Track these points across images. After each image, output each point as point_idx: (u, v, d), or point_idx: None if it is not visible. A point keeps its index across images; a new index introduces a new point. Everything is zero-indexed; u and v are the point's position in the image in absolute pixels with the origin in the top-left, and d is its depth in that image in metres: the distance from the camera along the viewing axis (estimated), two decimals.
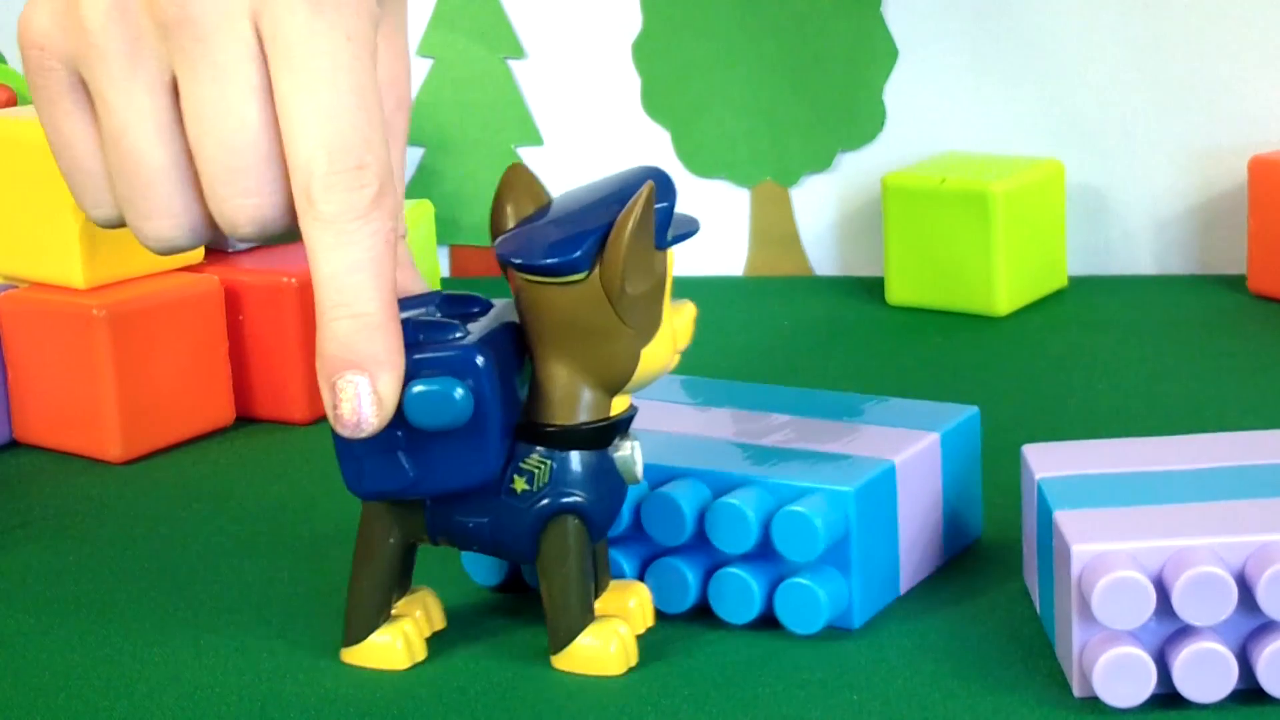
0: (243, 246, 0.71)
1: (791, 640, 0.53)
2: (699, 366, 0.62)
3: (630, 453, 0.51)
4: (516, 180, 0.51)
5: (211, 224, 0.49)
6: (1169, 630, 0.48)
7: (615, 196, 0.49)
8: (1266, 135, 0.82)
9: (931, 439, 0.55)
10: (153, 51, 0.48)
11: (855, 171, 0.86)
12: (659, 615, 0.54)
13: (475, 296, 0.51)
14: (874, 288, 0.84)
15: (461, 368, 0.48)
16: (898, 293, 0.82)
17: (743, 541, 0.52)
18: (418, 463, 0.49)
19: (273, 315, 0.69)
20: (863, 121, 0.86)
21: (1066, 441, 0.55)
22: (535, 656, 0.52)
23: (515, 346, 0.50)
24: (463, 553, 0.55)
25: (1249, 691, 0.48)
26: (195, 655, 0.53)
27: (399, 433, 0.49)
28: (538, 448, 0.50)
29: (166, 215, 0.49)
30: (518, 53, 0.88)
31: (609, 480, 0.51)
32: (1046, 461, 0.53)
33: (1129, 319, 0.79)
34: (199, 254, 0.70)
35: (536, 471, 0.50)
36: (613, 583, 0.53)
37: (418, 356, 0.48)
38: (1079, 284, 0.83)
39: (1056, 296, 0.82)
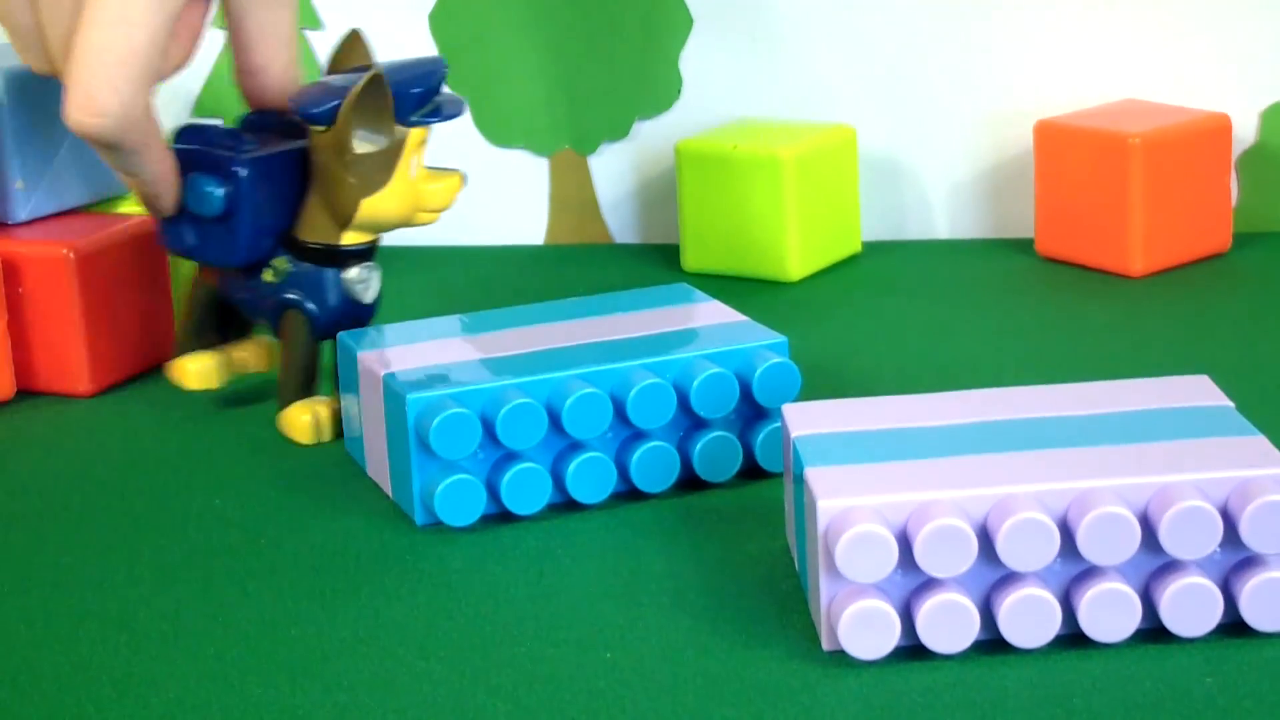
0: (24, 218, 0.71)
1: (550, 599, 0.53)
2: None
3: (355, 276, 0.64)
4: (350, 46, 0.64)
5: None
6: (914, 583, 0.49)
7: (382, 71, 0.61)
8: (1051, 100, 0.83)
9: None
10: None
11: (653, 139, 0.87)
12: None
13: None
14: (672, 254, 0.84)
15: (223, 171, 0.63)
16: (693, 259, 0.82)
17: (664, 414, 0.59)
18: (197, 236, 0.64)
19: (52, 287, 0.69)
20: (659, 90, 0.86)
21: (823, 400, 0.55)
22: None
23: (302, 170, 0.63)
24: (439, 493, 0.57)
25: (992, 642, 0.49)
26: None
27: (187, 212, 0.64)
28: (286, 253, 0.64)
29: (28, 57, 0.63)
30: (314, 24, 0.87)
31: (338, 295, 0.64)
32: (803, 420, 0.53)
33: (920, 283, 0.80)
34: None
35: (278, 269, 0.64)
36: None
37: (202, 155, 0.63)
38: (873, 249, 0.84)
39: (850, 262, 0.83)
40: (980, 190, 0.85)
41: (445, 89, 0.63)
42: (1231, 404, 0.53)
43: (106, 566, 0.57)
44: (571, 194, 0.88)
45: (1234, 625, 0.49)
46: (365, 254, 0.64)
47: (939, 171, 0.85)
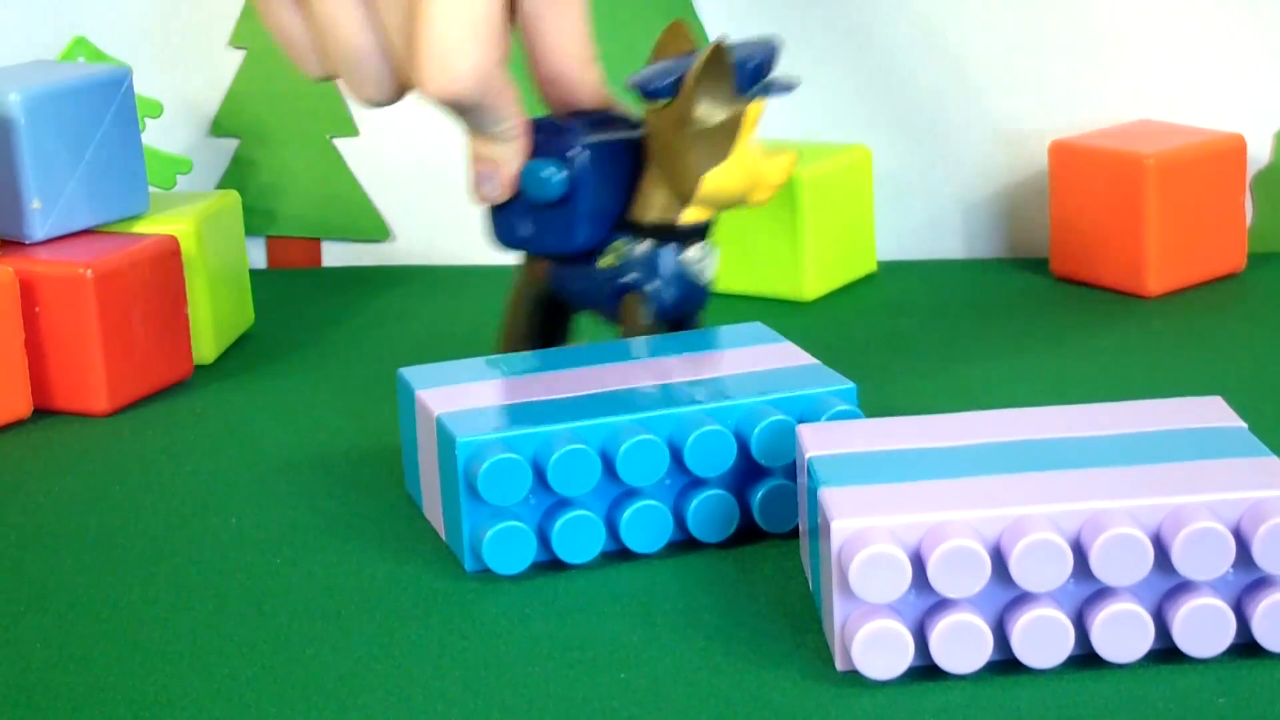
0: (41, 237, 0.71)
1: (564, 619, 0.53)
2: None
3: (694, 255, 0.63)
4: (672, 34, 0.65)
5: (402, 89, 0.63)
6: (928, 603, 0.49)
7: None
8: (1066, 119, 0.83)
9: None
10: None
11: None
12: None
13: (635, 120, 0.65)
14: None
15: (562, 155, 0.63)
16: None
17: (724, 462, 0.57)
18: (533, 226, 0.64)
19: (70, 306, 0.69)
20: None
21: (839, 421, 0.55)
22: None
23: (634, 157, 0.64)
24: (487, 540, 0.56)
25: (1005, 662, 0.49)
26: None
27: (520, 203, 0.64)
28: (624, 235, 0.63)
29: (369, 84, 0.63)
30: None
31: (676, 275, 0.63)
32: (818, 440, 0.53)
33: (935, 303, 0.80)
34: None
35: (617, 252, 0.63)
36: None
37: (538, 143, 0.63)
38: (888, 269, 0.84)
39: (865, 281, 0.83)
40: (995, 210, 0.85)
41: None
42: (1245, 425, 0.53)
43: (122, 586, 0.57)
44: None
45: (1247, 646, 0.49)
46: (702, 232, 0.64)
47: (954, 191, 0.86)
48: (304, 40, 0.63)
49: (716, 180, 0.62)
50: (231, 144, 0.88)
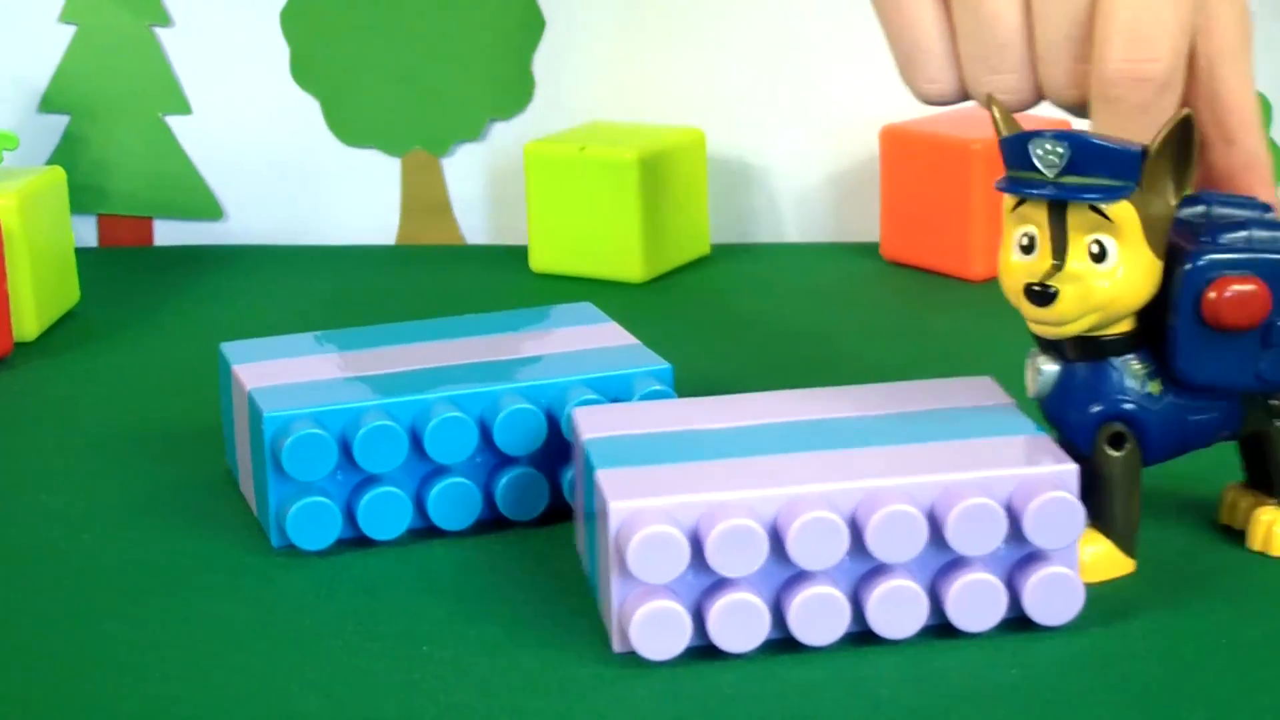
0: None
1: (370, 594, 0.53)
2: None
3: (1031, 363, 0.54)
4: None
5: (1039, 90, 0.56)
6: (705, 583, 0.49)
7: None
8: (896, 105, 0.83)
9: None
10: None
11: (506, 140, 0.87)
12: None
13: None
14: (522, 256, 0.84)
15: None
16: (540, 260, 0.82)
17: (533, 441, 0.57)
18: None
19: None
20: (512, 91, 0.87)
21: (618, 403, 0.56)
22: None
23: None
24: (290, 515, 0.56)
25: (783, 640, 0.49)
26: None
27: None
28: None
29: (1013, 71, 0.55)
30: (163, 20, 0.87)
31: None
32: (595, 423, 0.53)
33: (765, 286, 0.81)
34: None
35: None
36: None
37: None
38: (722, 252, 0.85)
39: (698, 264, 0.83)
40: (828, 195, 0.86)
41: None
42: (1014, 402, 0.53)
43: None
44: (423, 194, 0.88)
45: (1019, 619, 0.50)
46: (1056, 342, 0.53)
47: (788, 176, 0.86)
48: (940, 45, 0.57)
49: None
50: (61, 120, 0.88)
